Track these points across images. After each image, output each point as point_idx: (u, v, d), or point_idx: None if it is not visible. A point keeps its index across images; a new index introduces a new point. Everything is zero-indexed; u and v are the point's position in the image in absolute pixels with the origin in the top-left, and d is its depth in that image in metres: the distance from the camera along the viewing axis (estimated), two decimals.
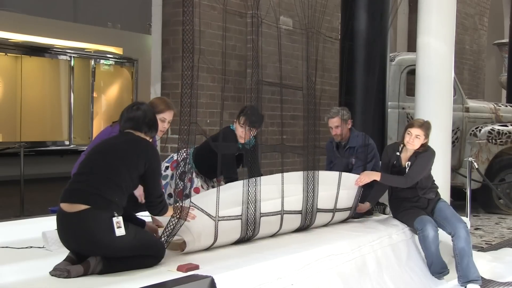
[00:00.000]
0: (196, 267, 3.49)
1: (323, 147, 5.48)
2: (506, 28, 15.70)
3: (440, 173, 6.02)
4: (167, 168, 5.05)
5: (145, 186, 3.63)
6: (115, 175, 3.46)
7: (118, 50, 14.47)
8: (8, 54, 12.25)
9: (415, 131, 5.06)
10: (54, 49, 13.07)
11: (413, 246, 5.05)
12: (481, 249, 6.48)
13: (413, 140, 5.05)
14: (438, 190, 5.33)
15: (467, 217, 6.39)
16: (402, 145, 5.19)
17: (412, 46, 12.75)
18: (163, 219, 3.97)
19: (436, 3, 6.14)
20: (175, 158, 5.00)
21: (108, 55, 14.17)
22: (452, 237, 4.99)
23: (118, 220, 3.36)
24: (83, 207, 3.32)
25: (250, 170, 4.47)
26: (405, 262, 4.88)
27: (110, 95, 14.41)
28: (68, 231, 3.37)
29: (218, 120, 7.47)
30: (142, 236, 3.54)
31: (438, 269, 4.96)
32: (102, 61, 14.01)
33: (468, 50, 15.00)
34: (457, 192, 8.07)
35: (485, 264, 5.55)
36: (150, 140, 3.75)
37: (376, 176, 5.12)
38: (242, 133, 4.89)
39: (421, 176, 5.09)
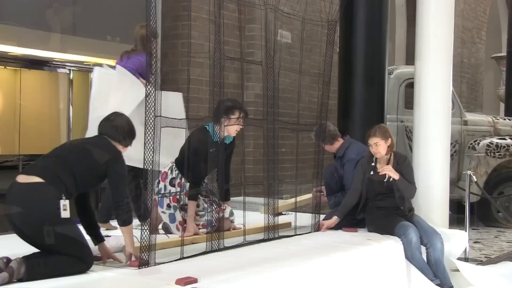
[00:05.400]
0: (195, 280, 3.47)
1: (283, 121, 5.46)
2: (504, 41, 15.77)
3: (439, 186, 6.01)
4: (159, 182, 5.12)
5: (111, 191, 3.83)
6: (73, 164, 3.65)
7: None
8: (7, 67, 12.25)
9: (372, 140, 5.23)
10: (53, 62, 13.07)
11: None
12: (480, 263, 6.46)
13: (377, 149, 5.22)
14: (437, 203, 5.37)
15: (466, 230, 6.39)
16: (374, 157, 5.32)
17: (410, 59, 12.80)
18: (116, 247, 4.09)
19: (434, 17, 6.16)
20: (163, 170, 5.12)
21: None
22: (427, 248, 5.09)
23: (65, 203, 3.48)
24: (36, 179, 3.49)
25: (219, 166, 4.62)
26: (404, 273, 4.87)
27: None
28: (14, 199, 3.47)
29: None
30: (75, 232, 3.57)
31: (431, 277, 4.97)
32: None
33: (466, 63, 15.06)
34: (456, 205, 8.06)
35: (484, 278, 5.54)
36: (124, 150, 3.91)
37: (395, 175, 5.17)
38: (236, 127, 4.94)
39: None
